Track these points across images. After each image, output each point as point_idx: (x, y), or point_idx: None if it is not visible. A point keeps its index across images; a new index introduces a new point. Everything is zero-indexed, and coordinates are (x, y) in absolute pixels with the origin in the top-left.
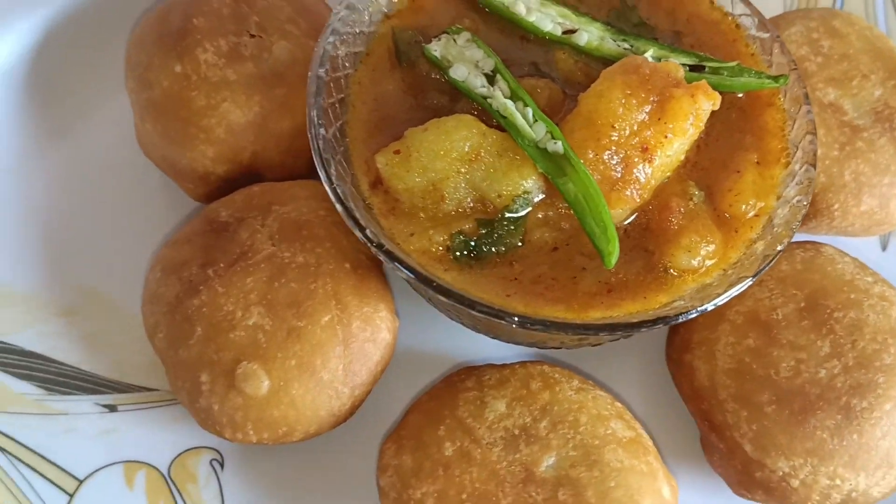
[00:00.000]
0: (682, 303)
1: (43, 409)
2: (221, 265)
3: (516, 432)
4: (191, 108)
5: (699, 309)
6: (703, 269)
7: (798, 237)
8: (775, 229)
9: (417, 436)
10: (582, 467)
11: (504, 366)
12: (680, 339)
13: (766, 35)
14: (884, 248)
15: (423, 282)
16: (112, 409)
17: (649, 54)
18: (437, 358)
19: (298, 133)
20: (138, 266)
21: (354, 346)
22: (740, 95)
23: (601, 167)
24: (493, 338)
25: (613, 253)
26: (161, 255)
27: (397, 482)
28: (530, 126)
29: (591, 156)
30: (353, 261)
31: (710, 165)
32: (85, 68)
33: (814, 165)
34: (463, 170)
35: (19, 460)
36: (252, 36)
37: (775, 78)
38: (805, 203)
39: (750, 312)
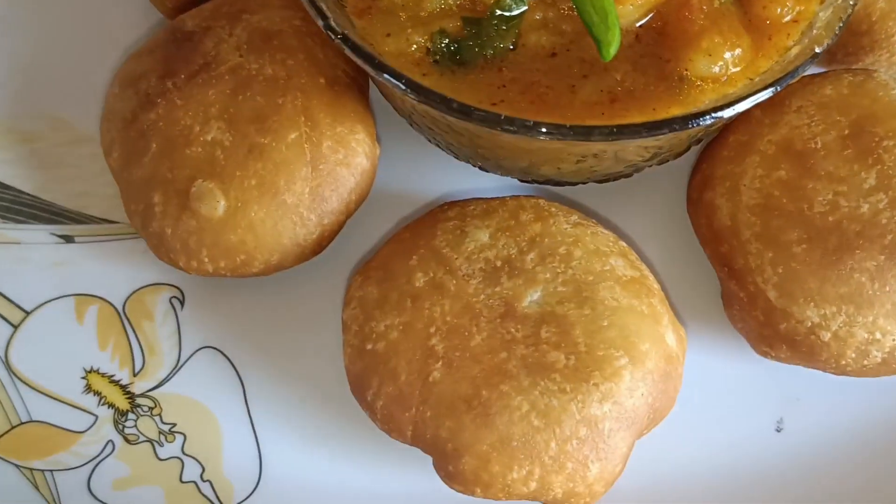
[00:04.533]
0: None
1: None
2: (182, 76)
3: (498, 264)
4: None
5: (715, 115)
6: (726, 77)
7: None
8: (814, 32)
9: (387, 266)
10: (571, 304)
11: (493, 198)
12: (701, 175)
13: None
14: None
15: (393, 76)
16: (68, 239)
17: None
18: (422, 193)
19: None
20: (103, 90)
21: (324, 169)
22: None
23: None
24: (479, 166)
25: (612, 43)
26: (121, 69)
27: (360, 314)
28: None
29: None
30: (330, 76)
31: None
32: None
33: None
34: None
35: None
36: None
37: None
38: (852, 2)
39: (784, 141)
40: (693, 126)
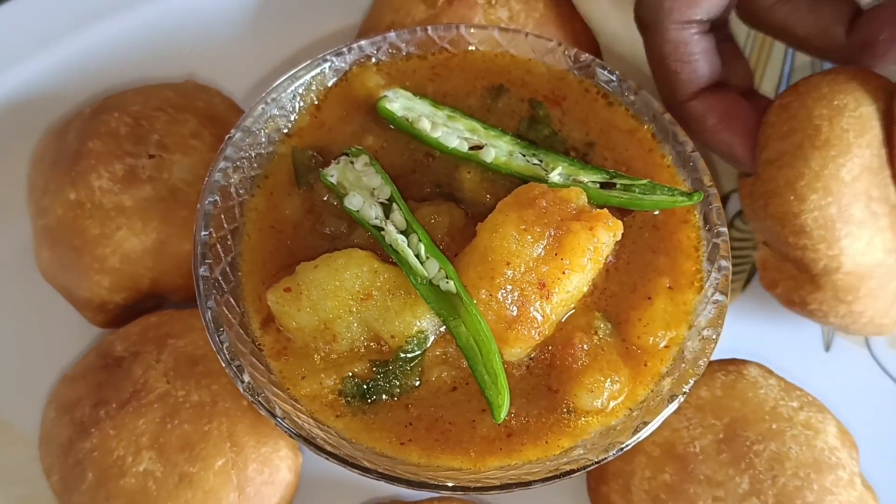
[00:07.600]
0: (583, 452)
1: None
2: (114, 405)
3: None
4: (85, 236)
5: (598, 460)
6: (608, 409)
7: None
8: (683, 365)
9: None
10: None
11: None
12: (597, 468)
13: (683, 146)
14: (826, 348)
15: (304, 441)
16: None
17: (557, 172)
18: (346, 490)
19: None
20: (42, 395)
21: (250, 491)
22: (656, 213)
23: (495, 306)
24: None
25: (503, 406)
26: (56, 392)
27: None
28: (422, 263)
29: (484, 295)
30: None
31: (619, 291)
32: None
33: (725, 294)
34: (355, 309)
35: None
36: (151, 156)
37: (689, 194)
38: (715, 337)
39: (666, 444)
40: (582, 471)
